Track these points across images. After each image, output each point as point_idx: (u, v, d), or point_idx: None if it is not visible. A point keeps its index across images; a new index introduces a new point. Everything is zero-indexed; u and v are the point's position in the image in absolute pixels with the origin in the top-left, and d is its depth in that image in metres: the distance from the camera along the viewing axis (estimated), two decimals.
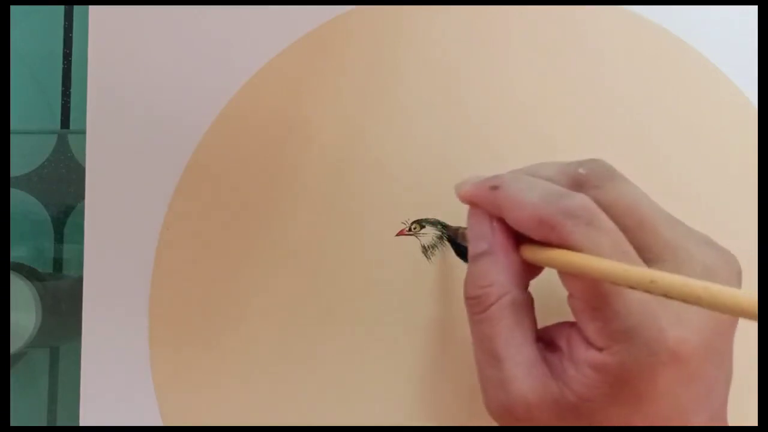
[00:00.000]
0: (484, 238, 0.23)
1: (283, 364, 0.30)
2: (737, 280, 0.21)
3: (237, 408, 0.30)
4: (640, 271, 0.18)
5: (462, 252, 0.30)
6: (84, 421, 0.31)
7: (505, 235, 0.22)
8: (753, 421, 0.28)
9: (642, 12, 0.31)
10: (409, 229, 0.30)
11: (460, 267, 0.30)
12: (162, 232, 0.31)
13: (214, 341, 0.30)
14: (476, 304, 0.22)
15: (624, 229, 0.21)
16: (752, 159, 0.29)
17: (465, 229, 0.25)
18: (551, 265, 0.21)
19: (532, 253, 0.22)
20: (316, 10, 0.31)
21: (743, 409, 0.28)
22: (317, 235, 0.30)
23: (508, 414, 0.21)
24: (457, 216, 0.30)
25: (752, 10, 0.30)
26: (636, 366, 0.19)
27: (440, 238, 0.30)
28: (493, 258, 0.22)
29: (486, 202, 0.23)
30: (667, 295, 0.17)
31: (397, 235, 0.30)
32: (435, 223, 0.30)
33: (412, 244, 0.30)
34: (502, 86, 0.31)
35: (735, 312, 0.16)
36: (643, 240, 0.21)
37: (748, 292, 0.16)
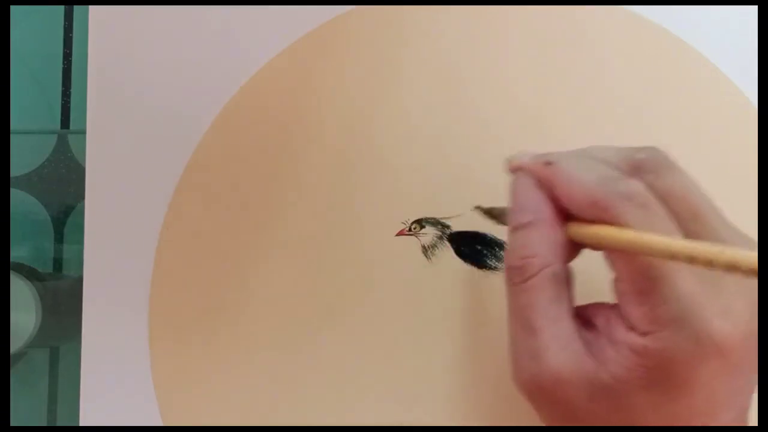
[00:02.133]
0: (529, 209, 0.23)
1: (283, 363, 0.30)
2: None
3: (237, 408, 0.30)
4: (706, 245, 0.18)
5: (462, 252, 0.30)
6: (84, 421, 0.31)
7: (550, 207, 0.22)
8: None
9: (642, 12, 0.31)
10: (409, 229, 0.30)
11: (460, 267, 0.30)
12: (162, 232, 0.31)
13: (214, 341, 0.30)
14: (517, 274, 0.22)
15: (676, 217, 0.21)
16: (752, 159, 0.29)
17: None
18: (600, 242, 0.21)
19: (580, 230, 0.22)
20: (316, 10, 0.31)
21: None
22: (317, 234, 0.30)
23: (537, 386, 0.21)
24: (457, 215, 0.30)
25: (752, 10, 0.30)
26: (678, 354, 0.19)
27: (440, 238, 0.30)
28: (537, 229, 0.22)
29: (539, 177, 0.23)
30: (732, 266, 0.17)
31: (397, 235, 0.30)
32: (435, 223, 0.30)
33: (412, 244, 0.30)
34: (502, 86, 0.31)
35: None
36: (694, 230, 0.21)
37: None
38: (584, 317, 0.22)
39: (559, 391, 0.21)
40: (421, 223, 0.30)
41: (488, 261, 0.29)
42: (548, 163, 0.23)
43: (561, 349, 0.21)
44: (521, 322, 0.22)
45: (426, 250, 0.30)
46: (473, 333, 0.29)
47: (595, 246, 0.22)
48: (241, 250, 0.30)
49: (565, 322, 0.21)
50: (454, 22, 0.31)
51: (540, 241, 0.22)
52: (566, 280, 0.22)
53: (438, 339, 0.29)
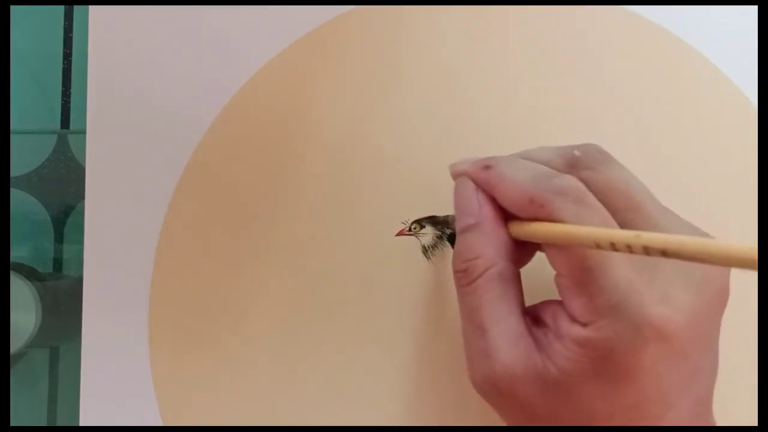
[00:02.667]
0: (471, 212, 0.23)
1: (283, 364, 0.30)
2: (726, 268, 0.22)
3: (237, 408, 0.30)
4: (624, 231, 0.18)
5: None
6: (84, 421, 0.31)
7: (492, 208, 0.23)
8: (738, 418, 0.28)
9: (642, 12, 0.31)
10: (409, 229, 0.30)
11: None
12: (162, 232, 0.31)
13: (213, 341, 0.30)
14: (463, 277, 0.23)
15: (614, 210, 0.21)
16: (752, 159, 0.29)
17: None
18: (537, 238, 0.22)
19: (519, 228, 0.22)
20: (316, 10, 0.31)
21: (734, 407, 0.28)
22: (317, 235, 0.30)
23: (491, 385, 0.22)
24: None
25: (752, 10, 0.30)
26: (620, 342, 0.20)
27: (440, 238, 0.30)
28: (480, 231, 0.23)
29: (478, 180, 0.24)
30: (648, 249, 0.17)
31: (397, 235, 0.30)
32: (435, 223, 0.30)
33: (412, 244, 0.30)
34: (501, 86, 0.31)
35: (710, 260, 0.16)
36: (632, 222, 0.21)
37: (718, 240, 0.16)
38: (534, 315, 0.23)
39: (512, 387, 0.21)
40: (421, 223, 0.30)
41: None
42: (487, 167, 0.23)
43: (510, 346, 0.21)
44: (472, 323, 0.22)
45: (426, 250, 0.30)
46: None
47: (538, 242, 0.22)
48: (241, 250, 0.30)
49: (514, 320, 0.22)
50: (454, 22, 0.31)
51: (483, 242, 0.23)
52: (513, 278, 0.23)
53: (438, 339, 0.29)
